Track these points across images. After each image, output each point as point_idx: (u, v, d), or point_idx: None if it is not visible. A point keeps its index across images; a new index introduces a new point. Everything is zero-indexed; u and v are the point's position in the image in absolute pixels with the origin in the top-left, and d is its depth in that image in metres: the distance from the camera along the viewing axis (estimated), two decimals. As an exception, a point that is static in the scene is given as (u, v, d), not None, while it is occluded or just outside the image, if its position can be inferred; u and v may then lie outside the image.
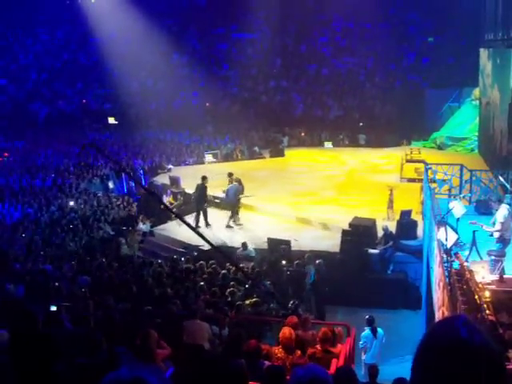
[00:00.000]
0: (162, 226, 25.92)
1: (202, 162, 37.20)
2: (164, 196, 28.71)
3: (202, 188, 24.12)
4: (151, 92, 47.33)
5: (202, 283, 17.05)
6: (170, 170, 34.16)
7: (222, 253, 19.18)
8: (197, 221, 23.95)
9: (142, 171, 34.71)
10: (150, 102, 46.64)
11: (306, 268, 19.17)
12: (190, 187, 29.40)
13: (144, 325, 10.39)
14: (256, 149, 39.35)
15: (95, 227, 25.61)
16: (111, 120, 46.95)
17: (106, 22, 46.33)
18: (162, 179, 31.90)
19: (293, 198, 27.10)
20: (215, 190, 27.62)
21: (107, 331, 9.38)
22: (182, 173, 32.22)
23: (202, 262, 19.46)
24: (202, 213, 24.14)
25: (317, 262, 19.44)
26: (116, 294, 15.60)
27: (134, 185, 32.47)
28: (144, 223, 25.98)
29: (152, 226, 25.94)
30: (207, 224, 24.02)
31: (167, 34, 47.18)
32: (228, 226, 24.09)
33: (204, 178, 24.23)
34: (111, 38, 47.41)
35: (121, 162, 32.86)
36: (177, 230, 24.45)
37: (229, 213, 24.44)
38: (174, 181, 30.18)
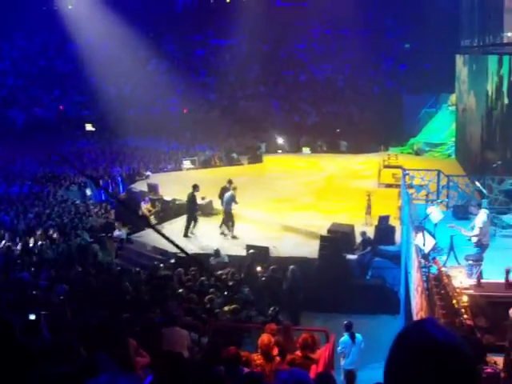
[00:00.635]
0: (139, 233, 25.78)
1: (180, 169, 37.13)
2: (142, 203, 28.59)
3: (192, 197, 23.95)
4: (129, 99, 47.22)
5: (180, 290, 17.00)
6: (148, 176, 34.04)
7: (196, 261, 19.16)
8: (187, 229, 23.89)
9: (120, 178, 34.58)
10: (128, 108, 46.51)
11: (290, 274, 19.21)
12: (168, 194, 29.36)
13: (122, 333, 10.33)
14: (234, 155, 39.34)
15: (73, 235, 25.45)
16: (89, 127, 46.77)
17: (84, 28, 46.21)
18: (141, 186, 31.76)
19: (271, 205, 27.10)
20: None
21: (86, 340, 9.32)
22: (161, 179, 32.13)
23: (180, 269, 19.40)
24: (192, 222, 23.99)
25: (290, 267, 19.46)
26: (94, 302, 15.51)
27: (109, 193, 32.36)
28: (120, 230, 25.86)
29: (130, 233, 25.81)
30: (186, 234, 23.89)
31: (145, 41, 47.09)
32: (222, 233, 23.95)
33: (195, 187, 24.07)
34: (89, 45, 47.27)
35: (87, 172, 32.76)
36: (155, 237, 24.34)
37: (220, 220, 24.31)
38: (152, 188, 30.09)
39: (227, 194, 23.73)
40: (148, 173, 34.95)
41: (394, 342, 2.21)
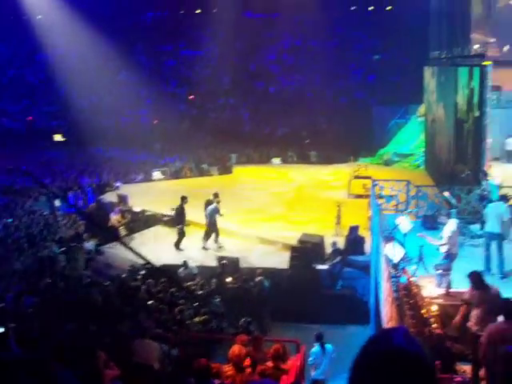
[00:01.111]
0: (109, 245, 25.61)
1: (151, 180, 37.00)
2: (112, 214, 28.41)
3: (180, 209, 23.78)
4: (99, 109, 46.99)
5: (150, 302, 16.90)
6: (117, 187, 33.88)
7: (165, 272, 19.10)
8: (179, 240, 23.84)
9: (89, 189, 34.34)
10: (98, 119, 46.26)
11: (261, 284, 19.21)
12: (138, 205, 29.23)
13: (92, 345, 10.24)
14: (204, 166, 39.32)
15: (41, 246, 25.21)
16: (58, 137, 46.43)
17: (54, 38, 45.94)
18: (110, 197, 31.58)
19: (241, 215, 27.08)
20: (163, 208, 27.56)
21: (54, 353, 9.22)
22: (130, 190, 32.00)
23: (150, 280, 19.30)
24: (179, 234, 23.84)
25: (257, 279, 19.47)
26: (63, 314, 15.35)
27: (81, 203, 32.12)
28: (89, 241, 25.66)
29: (100, 245, 25.62)
30: (178, 247, 23.81)
31: (115, 51, 46.93)
32: (204, 248, 23.81)
33: (183, 199, 23.91)
34: (59, 55, 47.02)
35: (48, 186, 32.53)
36: (124, 249, 24.20)
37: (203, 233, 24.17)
38: (122, 199, 29.95)
39: (210, 207, 23.66)
40: (118, 184, 34.76)
41: (360, 350, 2.24)
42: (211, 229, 23.70)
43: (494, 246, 15.87)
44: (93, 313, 15.92)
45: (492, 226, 15.93)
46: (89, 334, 13.06)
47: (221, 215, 23.56)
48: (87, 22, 44.30)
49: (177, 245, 23.72)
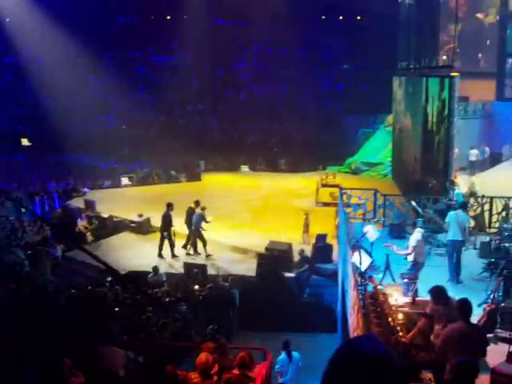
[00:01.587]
0: (76, 251, 25.37)
1: (118, 186, 36.80)
2: (79, 220, 28.20)
3: (167, 215, 23.43)
4: (67, 114, 46.58)
5: (117, 309, 16.80)
6: (85, 193, 33.65)
7: (131, 279, 19.02)
8: (171, 247, 23.58)
9: (56, 194, 34.04)
10: (66, 124, 45.86)
11: (231, 292, 19.19)
12: (105, 211, 29.06)
13: (57, 352, 10.15)
14: (172, 173, 39.22)
15: (7, 251, 24.91)
16: (25, 142, 45.97)
17: (22, 41, 45.52)
18: (77, 203, 31.34)
19: (209, 223, 27.01)
20: (131, 214, 27.45)
21: (19, 360, 9.13)
22: (98, 196, 31.83)
23: (117, 287, 19.18)
24: (167, 240, 23.50)
25: (225, 283, 19.50)
26: (28, 321, 15.18)
27: (48, 209, 31.84)
28: (56, 247, 25.42)
29: (66, 251, 25.39)
30: (160, 254, 23.51)
31: (84, 56, 46.64)
32: (188, 254, 23.66)
33: (169, 205, 23.59)
34: (27, 58, 46.60)
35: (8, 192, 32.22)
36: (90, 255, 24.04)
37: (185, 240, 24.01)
38: (90, 204, 29.77)
39: (196, 214, 23.49)
40: (85, 189, 34.53)
41: (331, 357, 2.27)
42: (197, 237, 23.52)
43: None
44: (58, 319, 15.77)
45: (454, 233, 16.32)
46: (54, 340, 12.93)
47: (207, 222, 23.41)
48: (56, 25, 43.94)
49: (159, 252, 23.45)
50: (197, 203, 23.83)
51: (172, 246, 23.49)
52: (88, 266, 23.40)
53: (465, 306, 9.11)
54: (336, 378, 2.21)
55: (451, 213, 16.93)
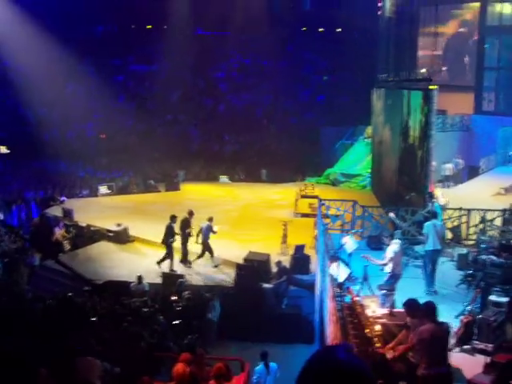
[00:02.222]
0: (53, 259, 25.21)
1: (96, 195, 36.63)
2: (56, 228, 27.99)
3: (170, 227, 23.13)
4: (45, 122, 46.29)
5: (94, 318, 16.69)
6: (63, 201, 33.41)
7: (108, 289, 18.96)
8: (185, 257, 23.38)
9: (33, 203, 33.79)
10: (44, 131, 45.59)
11: (211, 303, 19.12)
12: (83, 220, 28.90)
13: (32, 362, 10.03)
14: (151, 182, 39.10)
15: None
16: (3, 149, 45.60)
17: (1, 49, 45.23)
18: (55, 211, 31.13)
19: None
20: (109, 223, 27.32)
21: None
22: (75, 205, 31.63)
23: (94, 296, 19.07)
24: (170, 252, 23.11)
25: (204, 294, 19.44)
26: (3, 330, 15.04)
27: (25, 217, 31.61)
28: (33, 256, 25.23)
29: (43, 259, 25.20)
30: (159, 263, 23.10)
31: (63, 64, 46.43)
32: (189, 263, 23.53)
33: (172, 218, 23.34)
34: (5, 66, 46.29)
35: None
36: (69, 264, 23.91)
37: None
38: (67, 213, 29.57)
39: (204, 226, 23.44)
40: (63, 198, 34.28)
41: (304, 365, 2.28)
42: (206, 248, 23.45)
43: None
44: (35, 328, 15.64)
45: (434, 243, 16.56)
46: (30, 350, 12.81)
47: (214, 233, 23.36)
48: (36, 33, 43.77)
49: (160, 262, 23.11)
50: (190, 213, 23.65)
51: (171, 257, 23.12)
52: (66, 276, 23.27)
53: (430, 308, 9.32)
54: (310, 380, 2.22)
55: (428, 223, 17.08)
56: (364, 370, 2.23)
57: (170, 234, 23.04)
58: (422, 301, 10.14)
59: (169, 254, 23.07)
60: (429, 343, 9.00)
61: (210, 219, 23.78)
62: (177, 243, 23.25)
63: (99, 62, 47.93)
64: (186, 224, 23.33)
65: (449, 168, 32.26)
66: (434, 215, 17.83)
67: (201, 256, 23.60)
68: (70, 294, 19.86)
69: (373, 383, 2.25)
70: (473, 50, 38.94)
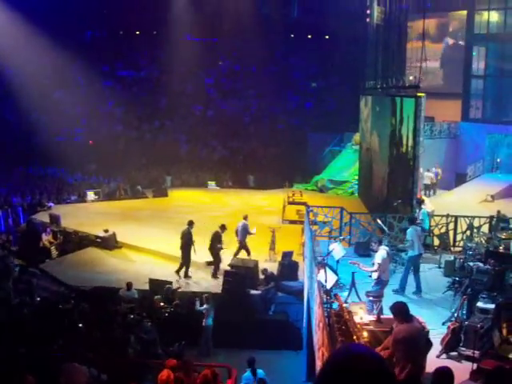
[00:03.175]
0: (40, 266, 25.08)
1: (84, 201, 36.53)
2: (43, 234, 27.89)
3: (188, 233, 22.98)
4: (33, 127, 46.15)
5: (80, 325, 16.62)
6: (50, 207, 33.31)
7: (95, 295, 18.93)
8: (186, 268, 23.12)
9: (20, 208, 33.63)
10: (32, 137, 45.45)
11: (206, 308, 19.05)
12: (70, 226, 28.81)
13: (19, 368, 10.00)
14: (139, 188, 39.04)
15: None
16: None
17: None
18: (42, 217, 31.01)
19: (175, 239, 26.83)
20: (97, 229, 27.25)
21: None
22: (63, 211, 31.54)
23: (81, 303, 18.98)
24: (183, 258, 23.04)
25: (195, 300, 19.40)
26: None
27: (11, 222, 31.45)
28: (19, 261, 25.06)
29: (30, 265, 25.04)
30: (186, 275, 23.02)
31: (51, 69, 46.35)
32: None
33: (190, 223, 23.24)
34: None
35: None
36: (56, 270, 23.83)
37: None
38: (54, 219, 29.46)
39: (240, 224, 23.77)
40: (50, 204, 34.18)
41: (324, 364, 2.34)
42: (240, 247, 23.71)
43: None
44: (21, 335, 15.56)
45: (418, 248, 16.87)
46: (17, 356, 12.75)
47: (250, 233, 23.65)
48: (24, 38, 43.71)
49: (178, 271, 23.02)
50: (222, 227, 23.35)
51: (187, 265, 23.06)
52: (53, 281, 23.17)
53: (402, 309, 9.36)
54: (333, 375, 2.23)
55: (411, 229, 17.23)
56: (381, 360, 2.30)
57: (188, 239, 22.90)
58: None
59: (214, 261, 23.06)
60: (406, 344, 9.01)
61: (245, 217, 24.10)
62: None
63: (88, 68, 47.82)
64: (217, 237, 23.13)
65: (429, 176, 32.32)
66: (412, 221, 18.00)
67: (236, 254, 23.68)
68: (55, 300, 19.84)
69: (391, 374, 2.29)
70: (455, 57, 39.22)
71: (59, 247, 27.20)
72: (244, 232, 23.58)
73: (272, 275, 21.71)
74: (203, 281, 22.61)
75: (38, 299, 20.37)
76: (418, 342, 9.33)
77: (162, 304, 19.72)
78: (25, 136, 45.11)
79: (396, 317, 9.40)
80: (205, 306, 19.05)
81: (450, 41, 40.82)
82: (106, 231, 26.82)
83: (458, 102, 37.98)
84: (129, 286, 20.57)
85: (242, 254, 23.84)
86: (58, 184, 40.24)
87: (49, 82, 46.48)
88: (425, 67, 25.96)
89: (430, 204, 23.98)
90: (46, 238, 27.60)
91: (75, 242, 27.57)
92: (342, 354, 2.34)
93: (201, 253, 23.54)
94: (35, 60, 44.46)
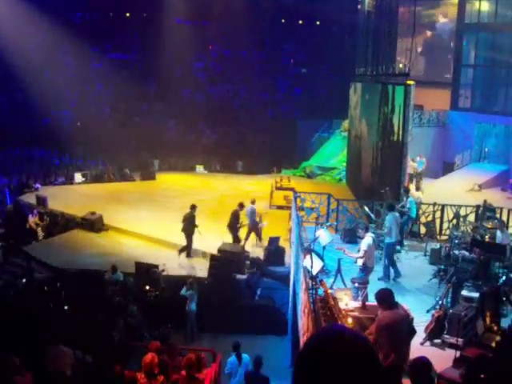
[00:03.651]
0: (26, 247, 25.01)
1: (71, 183, 36.40)
2: (30, 216, 27.80)
3: (191, 216, 23.03)
4: (21, 108, 45.89)
5: (66, 307, 16.60)
6: (37, 189, 33.17)
7: (81, 277, 18.88)
8: (189, 249, 23.23)
9: (7, 189, 33.49)
10: (19, 118, 45.19)
11: (190, 293, 19.02)
12: (57, 207, 28.72)
13: (2, 351, 9.99)
14: (127, 171, 38.92)
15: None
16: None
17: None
18: (29, 198, 30.89)
19: (162, 222, 26.87)
20: (83, 211, 27.19)
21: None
22: (50, 192, 31.43)
23: (68, 285, 18.96)
24: (186, 239, 23.11)
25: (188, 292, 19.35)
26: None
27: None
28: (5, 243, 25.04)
29: (15, 246, 24.98)
30: (189, 254, 23.25)
31: (40, 50, 46.02)
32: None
33: (193, 207, 23.26)
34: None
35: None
36: (42, 252, 23.77)
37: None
38: (41, 200, 29.35)
39: (249, 209, 23.77)
40: (37, 185, 34.04)
41: (307, 341, 2.32)
42: (251, 230, 23.80)
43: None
44: (6, 317, 15.53)
45: (396, 234, 17.05)
46: (2, 338, 12.73)
47: (260, 223, 24.00)
48: (12, 17, 43.35)
49: (182, 251, 23.15)
50: (240, 205, 23.64)
51: (190, 246, 23.20)
52: (38, 263, 23.11)
53: (386, 296, 9.37)
54: (309, 359, 2.22)
55: (390, 216, 17.34)
56: (361, 336, 2.27)
57: (190, 223, 22.97)
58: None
59: (235, 238, 23.43)
60: (389, 330, 9.04)
61: (253, 201, 24.24)
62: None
63: (77, 49, 47.53)
64: (235, 216, 23.43)
65: (412, 166, 32.29)
66: (391, 207, 18.04)
67: (246, 239, 23.76)
68: (41, 283, 19.81)
69: (371, 349, 2.27)
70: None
71: (45, 229, 27.15)
72: (253, 216, 23.63)
73: (258, 260, 21.77)
74: (189, 264, 22.61)
75: (24, 281, 20.26)
76: (402, 329, 9.36)
77: (147, 288, 19.70)
78: (12, 117, 44.85)
79: (380, 304, 9.42)
80: (189, 291, 19.01)
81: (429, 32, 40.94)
82: (93, 213, 26.76)
83: (445, 92, 37.95)
84: (114, 268, 20.46)
85: (252, 238, 24.15)
86: (46, 166, 40.07)
87: (37, 63, 46.14)
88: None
89: (416, 192, 24.09)
90: (32, 220, 27.52)
91: (62, 224, 27.51)
92: (325, 333, 2.33)
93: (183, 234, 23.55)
94: (23, 40, 44.08)
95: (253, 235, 24.10)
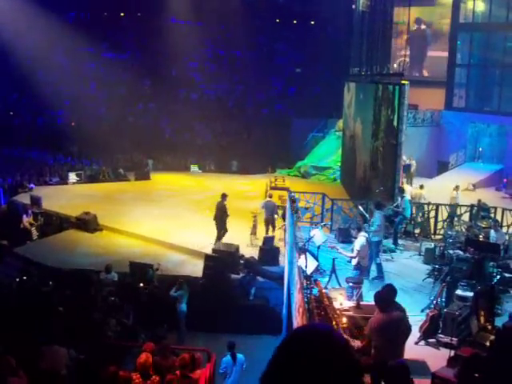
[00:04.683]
0: (20, 247, 24.93)
1: (66, 183, 36.33)
2: (24, 216, 27.73)
3: (222, 206, 23.28)
4: (15, 108, 45.86)
5: (61, 308, 16.57)
6: (31, 189, 33.10)
7: (75, 278, 18.84)
8: (219, 238, 23.36)
9: (1, 190, 33.40)
10: (14, 118, 45.14)
11: (179, 293, 18.97)
12: (51, 207, 28.66)
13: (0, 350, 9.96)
14: (121, 171, 38.86)
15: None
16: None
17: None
18: (23, 199, 30.82)
19: (157, 222, 26.86)
20: (78, 211, 27.14)
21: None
22: (44, 193, 31.38)
23: (61, 285, 18.90)
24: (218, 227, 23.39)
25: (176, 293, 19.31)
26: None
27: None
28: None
29: (10, 246, 24.91)
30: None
31: (34, 50, 45.96)
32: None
33: (224, 196, 23.47)
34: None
35: None
36: (36, 252, 23.71)
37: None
38: (36, 200, 29.29)
39: (269, 203, 24.07)
40: (31, 185, 33.97)
41: (287, 336, 2.32)
42: (269, 223, 24.04)
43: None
44: (1, 317, 15.49)
45: (383, 233, 17.17)
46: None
47: (277, 213, 24.20)
48: (6, 17, 43.27)
49: (219, 239, 23.26)
50: (224, 195, 23.60)
51: (223, 234, 23.45)
52: (32, 263, 23.04)
53: (383, 298, 9.39)
54: (291, 353, 2.22)
55: (379, 215, 17.39)
56: (334, 333, 2.27)
57: (223, 211, 23.34)
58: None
59: (225, 230, 23.56)
60: (378, 332, 9.09)
61: (270, 196, 24.65)
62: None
63: (71, 49, 47.49)
64: (220, 208, 23.52)
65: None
66: (379, 205, 18.06)
67: (267, 231, 24.05)
68: (35, 283, 19.77)
69: (344, 346, 2.27)
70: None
71: (40, 229, 27.09)
72: (270, 209, 23.80)
73: (253, 260, 21.75)
74: (183, 264, 22.59)
75: (17, 281, 20.20)
76: (394, 332, 9.30)
77: (141, 285, 19.63)
78: (7, 117, 44.78)
79: (376, 304, 9.43)
80: (179, 291, 18.94)
81: (415, 26, 41.05)
82: (87, 213, 26.72)
83: (440, 91, 38.00)
84: (108, 268, 20.37)
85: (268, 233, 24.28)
86: (40, 166, 39.99)
87: (31, 63, 46.08)
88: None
89: (418, 190, 24.18)
90: (26, 220, 27.45)
91: (56, 224, 27.46)
92: (301, 330, 2.34)
93: (178, 234, 23.52)
94: (17, 40, 44.01)
95: (249, 236, 24.13)
